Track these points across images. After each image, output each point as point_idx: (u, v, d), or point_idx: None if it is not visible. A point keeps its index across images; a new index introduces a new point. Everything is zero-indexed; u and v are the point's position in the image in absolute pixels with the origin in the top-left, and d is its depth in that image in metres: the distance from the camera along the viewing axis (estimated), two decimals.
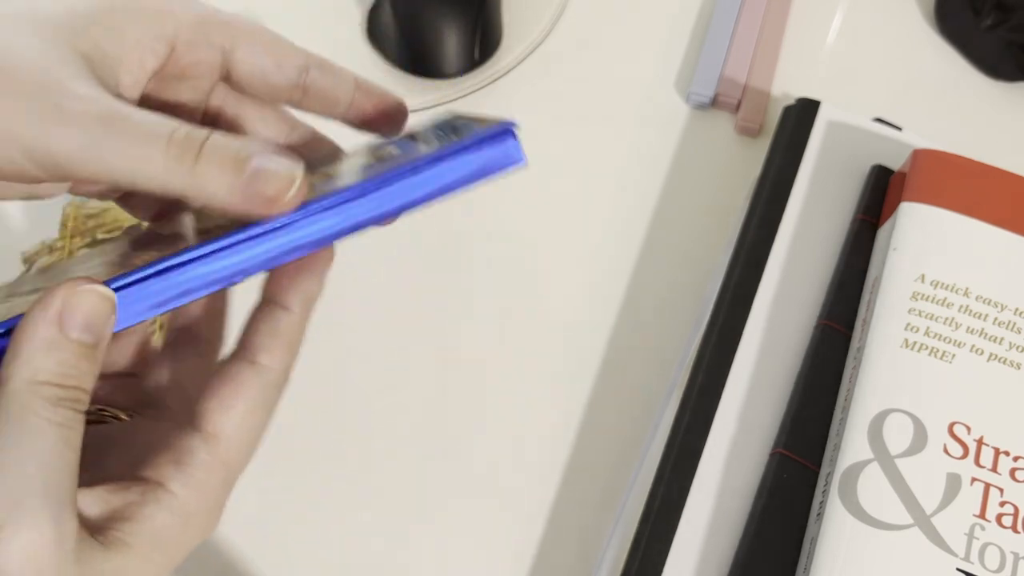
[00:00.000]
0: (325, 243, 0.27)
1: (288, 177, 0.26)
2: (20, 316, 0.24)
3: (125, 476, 0.26)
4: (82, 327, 0.24)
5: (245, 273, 0.26)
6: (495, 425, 0.48)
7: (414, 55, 0.57)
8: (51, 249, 0.49)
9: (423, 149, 0.29)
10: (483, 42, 0.57)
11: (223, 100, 0.34)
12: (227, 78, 0.33)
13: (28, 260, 0.50)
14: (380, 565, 0.45)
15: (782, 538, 0.40)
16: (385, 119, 0.34)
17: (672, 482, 0.42)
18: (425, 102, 0.56)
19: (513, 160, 0.28)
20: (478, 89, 0.57)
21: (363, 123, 0.34)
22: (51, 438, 0.23)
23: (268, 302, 0.28)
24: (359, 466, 0.47)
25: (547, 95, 0.58)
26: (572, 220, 0.54)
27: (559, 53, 0.59)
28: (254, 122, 0.34)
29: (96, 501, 0.25)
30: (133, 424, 0.30)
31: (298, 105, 0.33)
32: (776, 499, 0.40)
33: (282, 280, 0.28)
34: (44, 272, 0.33)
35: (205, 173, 0.25)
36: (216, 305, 0.33)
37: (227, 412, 0.27)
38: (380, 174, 0.27)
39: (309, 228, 0.26)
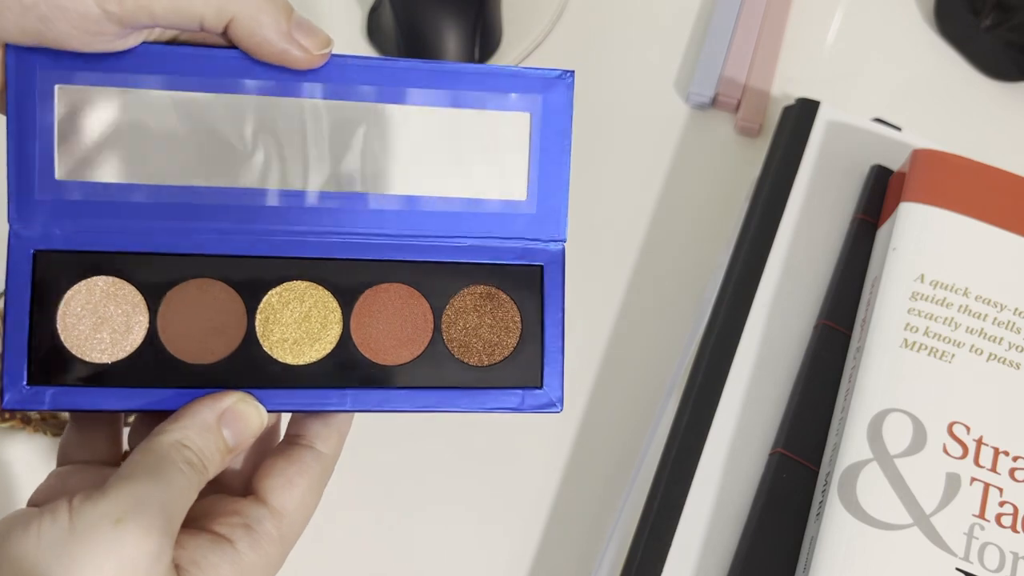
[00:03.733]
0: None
1: (325, 37, 0.30)
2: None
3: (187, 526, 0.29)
4: (232, 432, 0.29)
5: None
6: (495, 425, 0.48)
7: (414, 55, 0.57)
8: None
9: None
10: (483, 42, 0.57)
11: None
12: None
13: None
14: (380, 565, 0.45)
15: (782, 538, 0.40)
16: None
17: (672, 482, 0.42)
18: None
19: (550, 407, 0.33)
20: None
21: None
22: (178, 480, 0.27)
23: None
24: (358, 465, 0.47)
25: None
26: (571, 220, 0.54)
27: (558, 53, 0.59)
28: None
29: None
30: None
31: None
32: (776, 499, 0.40)
33: None
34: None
35: (255, 9, 0.29)
36: None
37: (291, 490, 0.30)
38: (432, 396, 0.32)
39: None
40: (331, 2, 0.61)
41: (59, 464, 0.32)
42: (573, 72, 0.32)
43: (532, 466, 0.47)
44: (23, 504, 0.45)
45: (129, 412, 0.33)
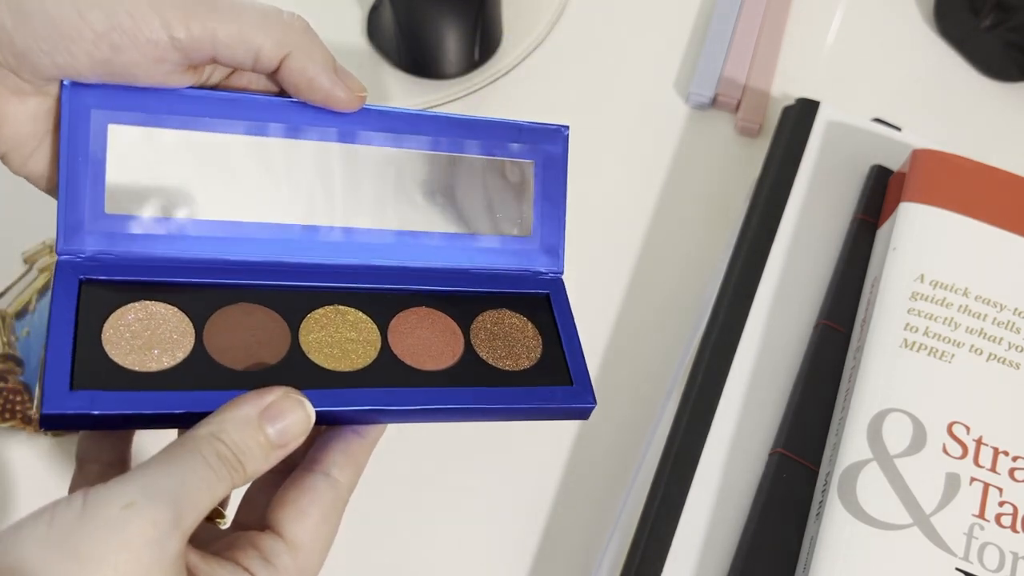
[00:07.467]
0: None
1: (361, 84, 0.33)
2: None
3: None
4: (278, 431, 0.28)
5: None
6: (494, 425, 0.48)
7: (414, 55, 0.57)
8: (52, 249, 0.49)
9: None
10: (483, 42, 0.57)
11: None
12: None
13: (29, 260, 0.50)
14: (381, 565, 0.45)
15: (782, 538, 0.40)
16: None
17: (672, 482, 0.42)
18: (426, 102, 0.56)
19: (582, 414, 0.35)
20: (478, 89, 0.57)
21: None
22: (200, 473, 0.27)
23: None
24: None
25: (547, 95, 0.58)
26: (572, 220, 0.54)
27: (559, 53, 0.60)
28: None
29: (199, 558, 0.28)
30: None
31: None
32: (776, 499, 0.40)
33: None
34: None
35: (310, 48, 0.32)
36: None
37: (304, 520, 0.30)
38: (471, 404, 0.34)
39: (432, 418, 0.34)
40: (332, 2, 0.61)
41: (78, 467, 0.32)
42: (568, 126, 0.37)
43: (532, 466, 0.47)
44: (23, 504, 0.45)
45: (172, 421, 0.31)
